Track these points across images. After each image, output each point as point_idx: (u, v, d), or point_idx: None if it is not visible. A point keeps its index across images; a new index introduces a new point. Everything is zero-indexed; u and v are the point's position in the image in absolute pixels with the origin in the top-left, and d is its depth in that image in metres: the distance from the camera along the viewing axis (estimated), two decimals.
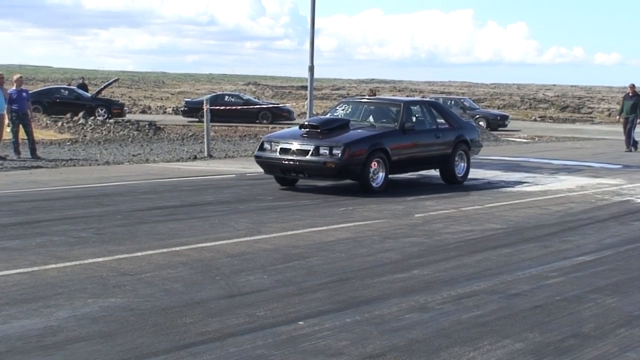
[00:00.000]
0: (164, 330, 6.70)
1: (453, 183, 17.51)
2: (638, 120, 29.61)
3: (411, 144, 16.64)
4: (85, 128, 30.27)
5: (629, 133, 29.41)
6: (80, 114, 33.13)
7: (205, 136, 23.74)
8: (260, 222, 12.10)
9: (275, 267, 9.12)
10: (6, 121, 21.38)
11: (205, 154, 23.07)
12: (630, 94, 29.73)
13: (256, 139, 27.73)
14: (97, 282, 8.27)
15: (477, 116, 42.17)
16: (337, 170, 15.20)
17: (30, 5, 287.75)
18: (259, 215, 12.69)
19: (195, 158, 22.43)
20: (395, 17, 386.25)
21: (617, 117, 32.09)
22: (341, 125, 16.17)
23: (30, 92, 25.07)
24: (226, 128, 35.02)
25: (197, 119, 38.75)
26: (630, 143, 29.33)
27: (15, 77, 22.22)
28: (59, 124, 30.98)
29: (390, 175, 16.08)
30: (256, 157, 16.31)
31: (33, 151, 21.17)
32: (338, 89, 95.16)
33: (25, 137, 21.58)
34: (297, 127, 17.08)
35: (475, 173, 19.10)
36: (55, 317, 7.01)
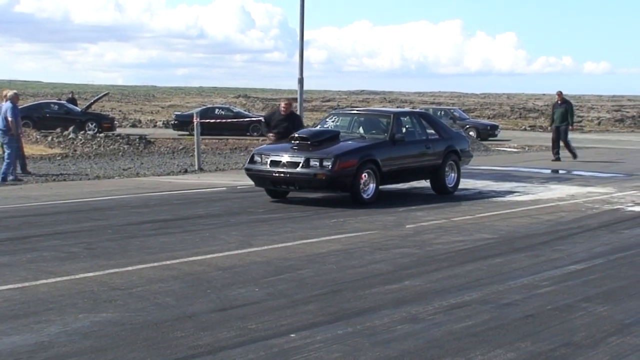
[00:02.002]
0: (155, 345, 6.68)
1: (444, 193, 17.52)
2: (570, 128, 28.70)
3: (401, 155, 16.64)
4: (75, 142, 30.20)
5: (565, 142, 28.34)
6: (70, 129, 33.04)
7: (195, 149, 23.72)
8: (251, 234, 12.09)
9: (267, 280, 9.12)
10: None
11: (196, 167, 23.05)
12: (559, 102, 28.70)
13: (247, 152, 27.71)
14: (88, 297, 8.25)
15: (467, 126, 42.26)
16: (327, 182, 15.20)
17: (19, 21, 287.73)
18: (250, 228, 12.69)
19: (185, 171, 22.42)
20: (384, 28, 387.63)
21: (549, 127, 30.95)
22: (331, 137, 16.18)
23: (20, 107, 24.99)
24: (217, 141, 34.99)
25: (187, 132, 38.71)
26: (571, 150, 28.33)
27: (5, 92, 22.15)
28: (49, 138, 30.91)
29: (380, 186, 16.09)
30: (247, 169, 16.31)
31: (23, 166, 21.09)
32: (328, 101, 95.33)
33: None
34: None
35: (465, 183, 19.12)
36: (46, 332, 6.99)
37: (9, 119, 19.80)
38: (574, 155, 28.32)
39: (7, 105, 20.06)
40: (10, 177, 19.45)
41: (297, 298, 8.35)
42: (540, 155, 31.44)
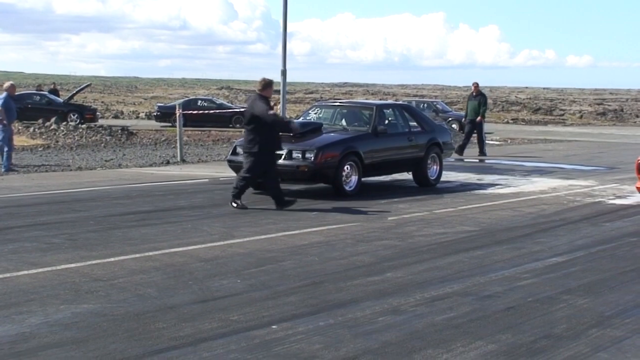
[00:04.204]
0: (136, 336, 6.68)
1: (426, 186, 17.55)
2: (479, 119, 26.64)
3: (384, 147, 16.65)
4: (57, 134, 30.08)
5: (479, 136, 26.68)
6: (53, 120, 32.91)
7: (178, 141, 23.68)
8: (233, 226, 12.09)
9: (249, 271, 9.12)
10: None
11: (178, 158, 23.00)
12: (474, 94, 27.17)
13: (229, 143, 27.68)
14: (70, 288, 8.24)
15: (450, 119, 42.24)
16: (310, 174, 15.20)
17: (0, 11, 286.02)
18: (232, 220, 12.68)
19: (168, 163, 22.37)
20: (367, 20, 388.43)
21: (463, 119, 29.49)
22: (314, 129, 16.16)
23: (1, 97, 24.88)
24: (199, 132, 34.90)
25: (170, 124, 38.59)
26: (482, 148, 26.68)
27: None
28: (31, 129, 30.78)
29: (363, 179, 16.09)
30: (229, 161, 16.29)
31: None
32: (311, 93, 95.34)
33: None
34: None
35: (448, 176, 19.15)
36: (27, 323, 6.98)
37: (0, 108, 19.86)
38: (483, 153, 26.62)
39: (1, 95, 20.23)
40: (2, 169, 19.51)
41: (278, 289, 8.36)
42: (522, 148, 31.52)
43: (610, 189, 17.81)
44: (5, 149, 19.76)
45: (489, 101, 26.93)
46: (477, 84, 27.53)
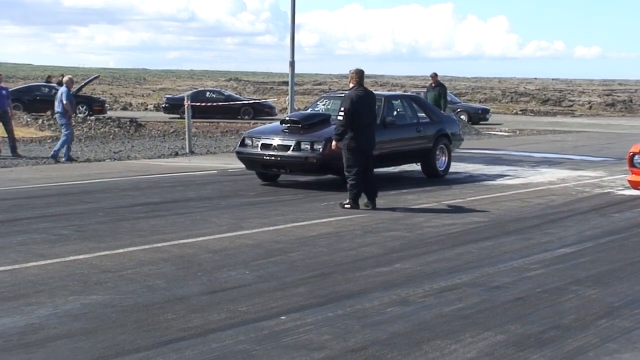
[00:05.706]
0: (145, 327, 6.69)
1: (434, 177, 17.53)
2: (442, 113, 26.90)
3: (392, 139, 16.61)
4: None
5: None
6: None
7: (186, 132, 23.68)
8: (242, 217, 12.10)
9: (257, 263, 9.13)
10: None
11: (187, 150, 23.01)
12: (433, 85, 26.98)
13: (238, 135, 27.67)
14: (79, 279, 8.25)
15: (459, 110, 42.14)
16: (318, 166, 15.19)
17: (8, 3, 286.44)
18: (240, 211, 12.69)
19: (176, 154, 22.38)
20: (375, 11, 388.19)
21: None
22: (322, 120, 16.14)
23: (10, 89, 24.95)
24: (208, 124, 34.93)
25: (178, 116, 38.61)
26: None
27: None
28: (40, 121, 30.81)
29: None
30: (237, 153, 16.29)
31: (13, 149, 21.08)
32: (319, 84, 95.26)
33: (6, 135, 21.53)
34: (278, 123, 17.06)
35: (456, 167, 19.13)
36: (36, 314, 7.00)
37: (64, 102, 20.08)
38: None
39: (62, 89, 20.48)
40: (63, 158, 19.72)
41: (287, 281, 8.36)
42: (531, 139, 31.47)
43: (619, 179, 17.74)
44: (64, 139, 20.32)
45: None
46: (435, 74, 27.12)
